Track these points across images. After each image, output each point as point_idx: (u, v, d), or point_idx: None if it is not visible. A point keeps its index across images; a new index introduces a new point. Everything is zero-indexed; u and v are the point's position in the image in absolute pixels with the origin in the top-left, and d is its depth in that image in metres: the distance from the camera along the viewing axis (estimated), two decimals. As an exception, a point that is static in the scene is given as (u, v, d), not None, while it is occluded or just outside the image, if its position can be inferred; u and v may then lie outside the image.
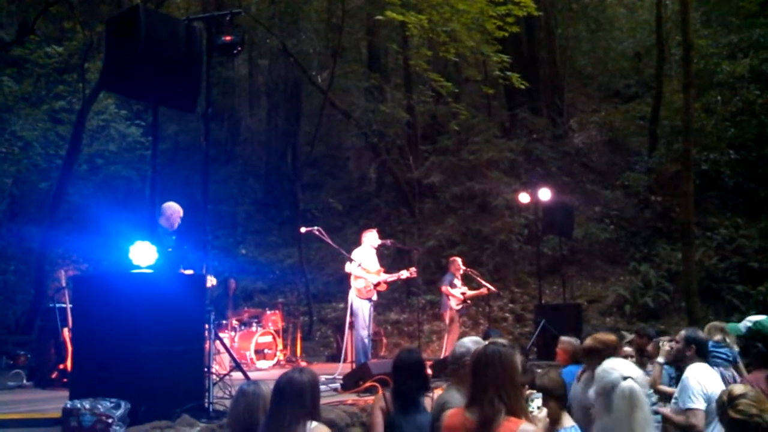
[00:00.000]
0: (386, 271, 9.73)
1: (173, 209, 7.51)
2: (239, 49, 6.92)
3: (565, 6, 22.06)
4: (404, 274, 9.62)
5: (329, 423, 5.44)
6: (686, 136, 12.58)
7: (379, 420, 4.33)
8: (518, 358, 2.95)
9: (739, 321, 8.72)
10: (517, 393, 2.86)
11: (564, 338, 5.93)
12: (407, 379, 4.36)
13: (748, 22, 16.47)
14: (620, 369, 2.85)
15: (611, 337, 4.61)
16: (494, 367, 2.83)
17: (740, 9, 16.80)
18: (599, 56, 22.93)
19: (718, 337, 6.30)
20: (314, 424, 3.19)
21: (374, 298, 9.46)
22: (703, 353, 4.50)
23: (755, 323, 4.32)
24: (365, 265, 9.31)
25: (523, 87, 14.85)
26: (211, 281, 7.89)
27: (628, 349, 6.57)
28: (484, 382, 2.84)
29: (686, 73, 12.72)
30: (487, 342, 3.02)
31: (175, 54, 5.83)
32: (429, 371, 7.14)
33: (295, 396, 3.17)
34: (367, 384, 7.08)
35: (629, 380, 2.77)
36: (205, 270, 6.79)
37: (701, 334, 4.66)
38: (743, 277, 13.74)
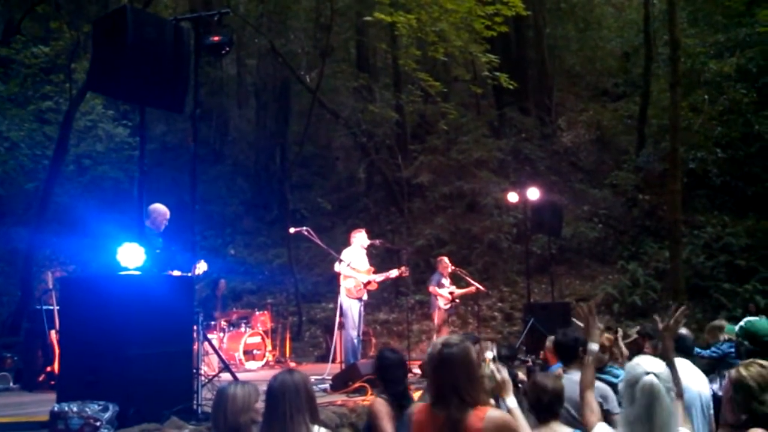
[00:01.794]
0: (375, 271, 9.72)
1: (159, 211, 7.40)
2: (227, 49, 6.91)
3: (554, 5, 22.12)
4: (393, 273, 9.61)
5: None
6: (674, 135, 12.66)
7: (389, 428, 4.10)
8: (473, 352, 3.02)
9: (726, 319, 8.78)
10: (476, 387, 2.97)
11: (551, 338, 5.95)
12: (402, 378, 4.26)
13: (735, 22, 16.59)
14: (644, 364, 2.99)
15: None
16: (450, 369, 2.93)
17: (727, 8, 16.91)
18: (587, 55, 23.00)
19: (724, 336, 6.31)
20: (323, 430, 3.18)
21: (364, 297, 9.44)
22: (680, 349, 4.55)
23: (746, 322, 4.43)
24: (355, 264, 9.29)
25: (511, 87, 14.87)
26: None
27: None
28: (443, 384, 2.96)
29: (673, 72, 12.81)
30: (439, 344, 3.06)
31: (162, 54, 5.80)
32: (419, 371, 7.11)
33: (292, 397, 3.14)
34: (357, 384, 7.08)
35: (650, 375, 2.91)
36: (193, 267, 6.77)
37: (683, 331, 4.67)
38: (730, 275, 13.83)
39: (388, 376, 4.33)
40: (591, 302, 3.80)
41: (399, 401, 4.16)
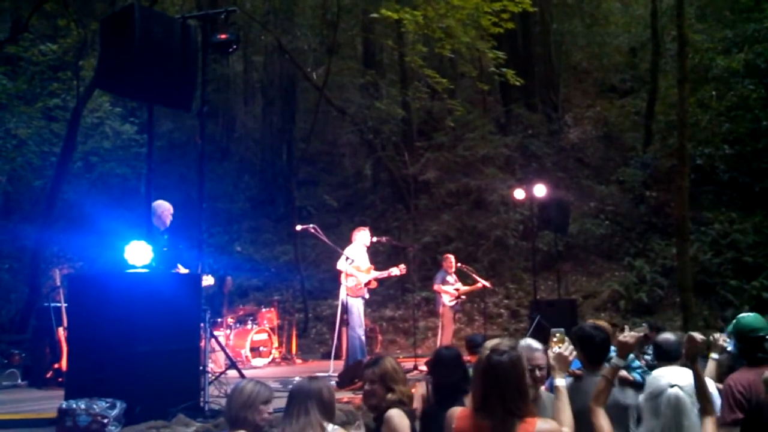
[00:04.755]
0: (379, 269, 9.75)
1: (164, 207, 7.31)
2: (234, 47, 6.90)
3: (561, 1, 22.05)
4: (394, 271, 9.64)
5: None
6: (681, 131, 12.58)
7: (418, 405, 4.14)
8: (523, 360, 2.91)
9: (733, 316, 8.64)
10: (524, 397, 2.83)
11: (558, 330, 5.94)
12: (450, 373, 4.24)
13: (743, 17, 16.49)
14: (668, 376, 2.94)
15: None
16: (498, 378, 2.80)
17: (735, 4, 16.83)
18: (594, 51, 22.92)
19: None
20: (333, 426, 3.28)
21: (366, 296, 9.45)
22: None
23: (737, 318, 4.10)
24: (356, 263, 9.29)
25: (518, 84, 14.84)
26: (208, 280, 7.84)
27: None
28: (489, 393, 2.82)
29: (681, 68, 12.72)
30: (488, 350, 2.90)
31: (170, 53, 5.82)
32: (425, 368, 7.11)
33: (311, 397, 3.27)
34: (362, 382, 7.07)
35: (675, 388, 2.86)
36: (200, 269, 6.78)
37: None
38: (737, 272, 13.77)
39: (438, 371, 4.21)
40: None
41: (444, 392, 4.03)
